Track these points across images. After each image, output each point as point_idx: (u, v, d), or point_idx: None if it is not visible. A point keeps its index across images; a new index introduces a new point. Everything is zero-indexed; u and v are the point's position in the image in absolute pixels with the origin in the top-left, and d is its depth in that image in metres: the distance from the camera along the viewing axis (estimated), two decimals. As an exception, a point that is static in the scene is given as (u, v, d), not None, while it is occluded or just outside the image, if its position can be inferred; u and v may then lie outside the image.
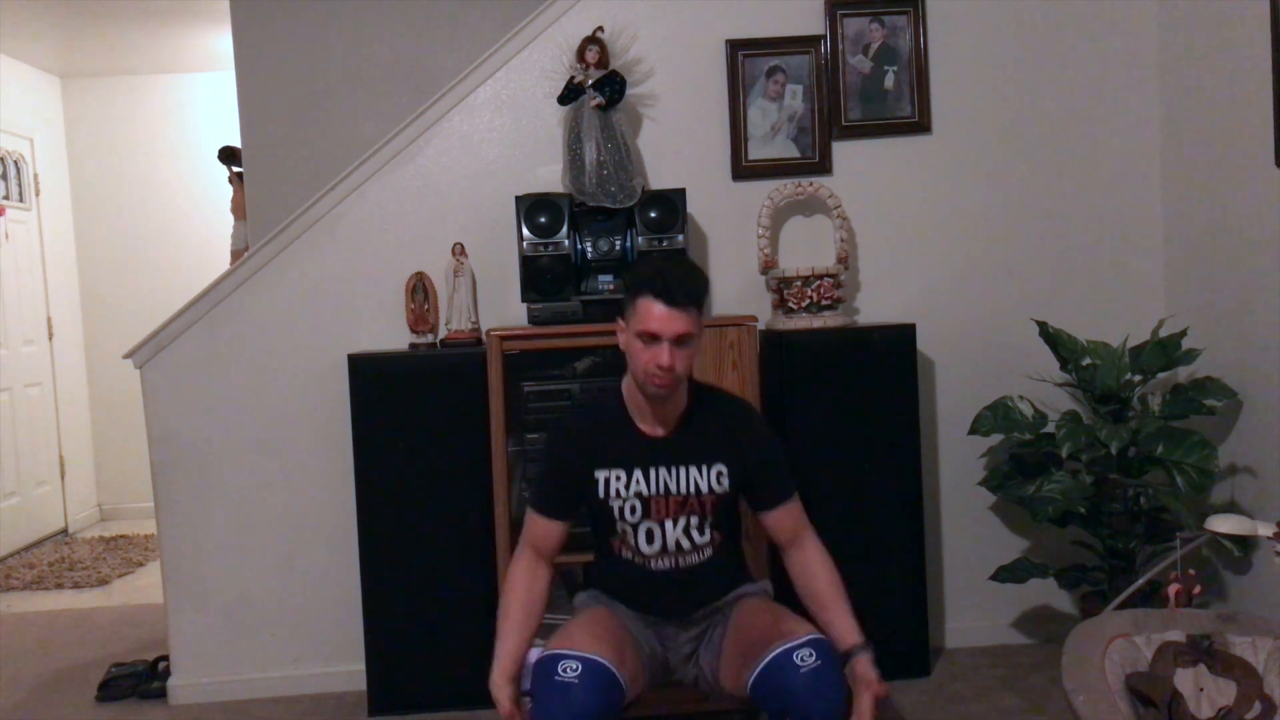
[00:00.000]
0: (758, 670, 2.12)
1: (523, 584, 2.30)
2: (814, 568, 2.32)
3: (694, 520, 2.30)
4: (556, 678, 2.07)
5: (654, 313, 2.16)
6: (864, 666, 2.15)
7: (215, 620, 3.36)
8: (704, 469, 2.29)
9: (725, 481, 2.29)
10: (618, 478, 2.28)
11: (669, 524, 2.29)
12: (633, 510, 2.29)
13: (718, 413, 2.35)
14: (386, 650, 3.16)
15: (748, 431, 2.35)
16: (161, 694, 3.38)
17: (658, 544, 2.30)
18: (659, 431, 2.30)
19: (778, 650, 2.10)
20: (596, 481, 2.29)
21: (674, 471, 2.28)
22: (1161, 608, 2.33)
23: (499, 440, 2.96)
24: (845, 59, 3.43)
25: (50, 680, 3.65)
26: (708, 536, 2.32)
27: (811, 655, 2.08)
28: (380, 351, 3.25)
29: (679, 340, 2.17)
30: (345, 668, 3.35)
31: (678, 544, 2.30)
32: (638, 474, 2.28)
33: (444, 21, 4.11)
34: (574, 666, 2.08)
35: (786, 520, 2.35)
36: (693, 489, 2.28)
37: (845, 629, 2.23)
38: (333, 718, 3.20)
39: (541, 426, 3.02)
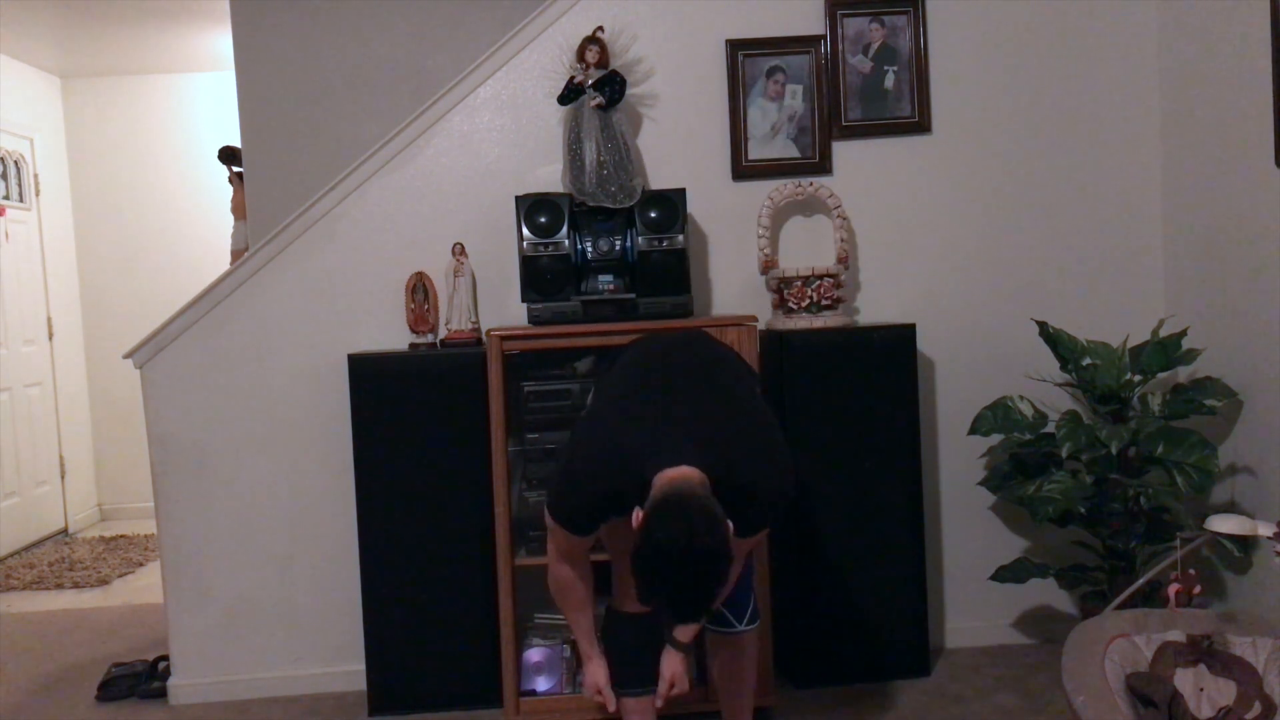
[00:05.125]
0: None
1: (572, 577, 2.43)
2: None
3: None
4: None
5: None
6: None
7: (215, 620, 3.36)
8: None
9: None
10: None
11: None
12: None
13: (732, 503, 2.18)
14: (386, 650, 3.16)
15: (753, 510, 2.26)
16: (161, 694, 3.38)
17: None
18: None
19: None
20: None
21: None
22: (1161, 608, 2.34)
23: (499, 440, 2.96)
24: (845, 59, 3.43)
25: (50, 680, 3.65)
26: None
27: None
28: (380, 351, 3.25)
29: None
30: (345, 668, 3.35)
31: None
32: None
33: (444, 21, 4.11)
34: None
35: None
36: None
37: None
38: (332, 718, 3.20)
39: (542, 426, 3.02)
